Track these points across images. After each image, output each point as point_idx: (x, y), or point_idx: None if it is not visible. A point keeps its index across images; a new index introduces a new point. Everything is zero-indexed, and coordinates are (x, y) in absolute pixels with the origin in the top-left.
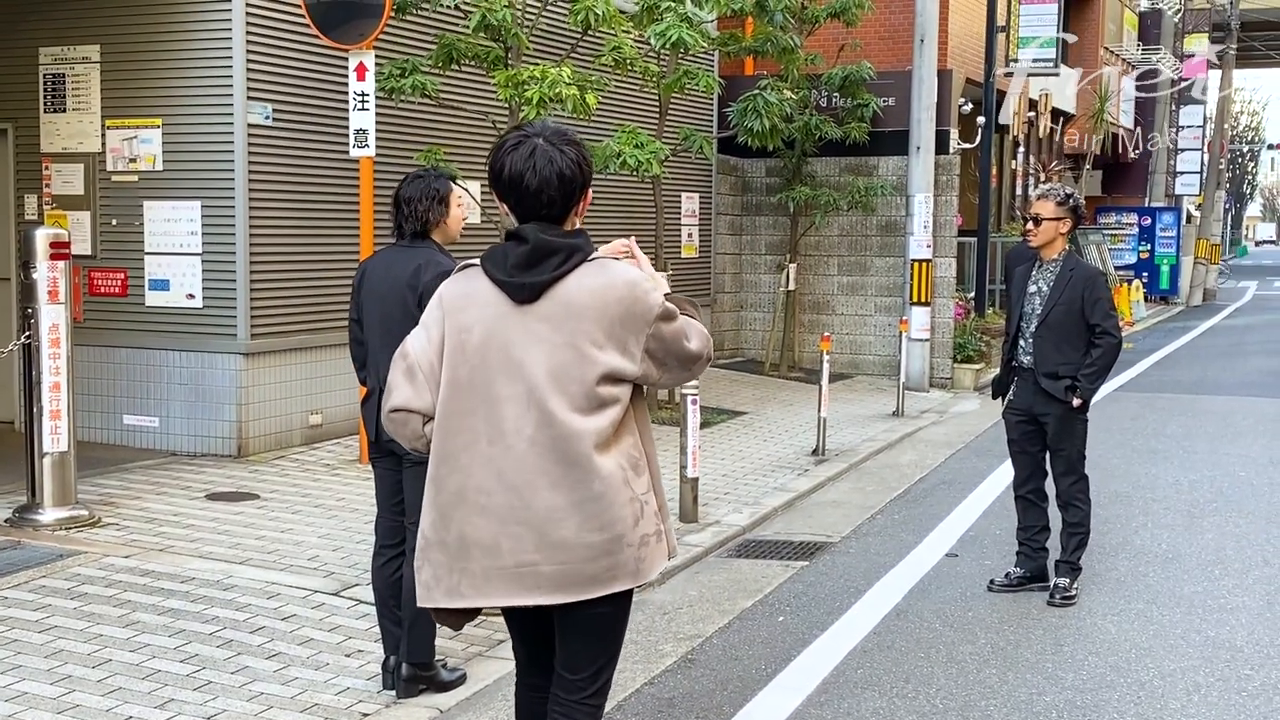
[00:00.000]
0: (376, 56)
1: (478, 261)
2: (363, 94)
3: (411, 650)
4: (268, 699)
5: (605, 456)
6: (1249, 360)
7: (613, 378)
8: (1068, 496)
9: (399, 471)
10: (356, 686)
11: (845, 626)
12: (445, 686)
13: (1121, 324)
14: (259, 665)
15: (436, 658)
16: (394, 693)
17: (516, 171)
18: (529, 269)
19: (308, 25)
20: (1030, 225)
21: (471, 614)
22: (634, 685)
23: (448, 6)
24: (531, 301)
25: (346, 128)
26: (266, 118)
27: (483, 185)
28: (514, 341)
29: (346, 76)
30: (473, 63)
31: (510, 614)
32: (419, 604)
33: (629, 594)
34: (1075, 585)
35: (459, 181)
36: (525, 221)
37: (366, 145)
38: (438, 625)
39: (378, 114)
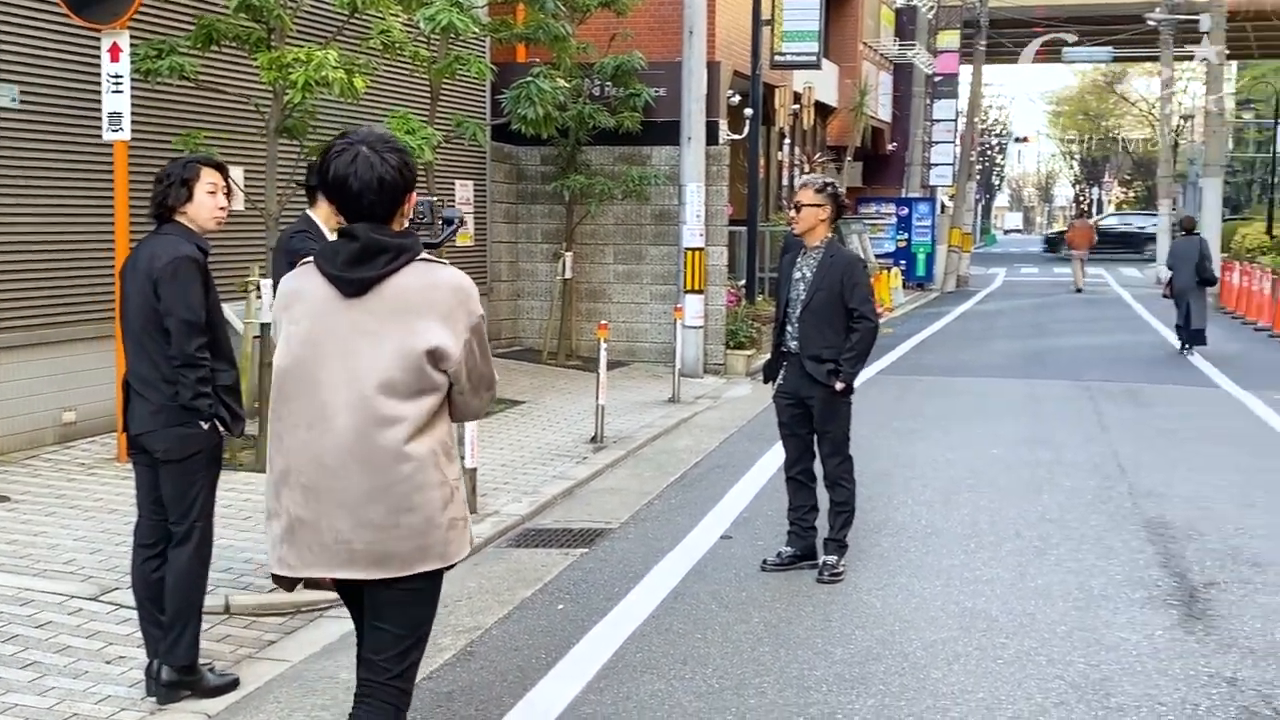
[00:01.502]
0: (131, 37)
1: (310, 260)
2: (116, 76)
3: (172, 654)
4: (23, 711)
5: (419, 442)
6: (998, 343)
7: (436, 356)
8: (834, 477)
9: (158, 469)
10: (119, 694)
11: (624, 612)
12: (213, 691)
13: (881, 310)
14: (12, 676)
15: (203, 661)
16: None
17: (340, 175)
18: (359, 265)
19: (58, 3)
20: (793, 213)
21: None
22: None
23: None
24: (360, 295)
25: (101, 111)
26: (14, 100)
27: (247, 171)
28: (339, 333)
29: (100, 57)
30: (234, 44)
31: (340, 587)
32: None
33: (439, 575)
34: (842, 562)
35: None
36: (352, 221)
37: (121, 129)
38: (202, 626)
39: (134, 97)
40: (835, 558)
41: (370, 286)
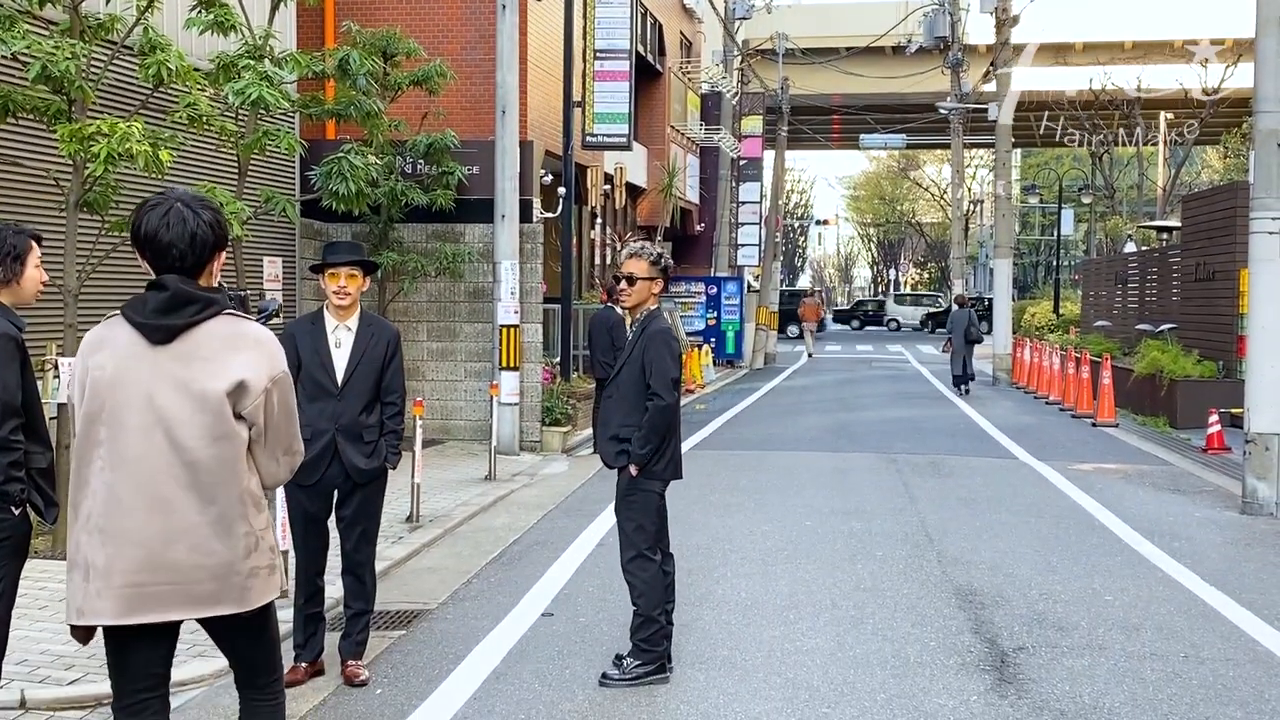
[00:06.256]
0: None
1: (119, 312)
2: None
3: None
4: None
5: (226, 486)
6: (807, 418)
7: (235, 396)
8: (624, 573)
9: None
10: None
11: (444, 695)
12: None
13: (692, 386)
14: None
15: None
16: None
17: (153, 228)
18: (167, 313)
19: None
20: (623, 285)
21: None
22: None
23: (2, 56)
24: (166, 343)
25: None
26: None
27: (44, 246)
28: (145, 378)
29: None
30: (32, 115)
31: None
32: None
33: (256, 614)
34: (636, 666)
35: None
36: (162, 274)
37: None
38: None
39: None
40: (629, 659)
41: (177, 334)
